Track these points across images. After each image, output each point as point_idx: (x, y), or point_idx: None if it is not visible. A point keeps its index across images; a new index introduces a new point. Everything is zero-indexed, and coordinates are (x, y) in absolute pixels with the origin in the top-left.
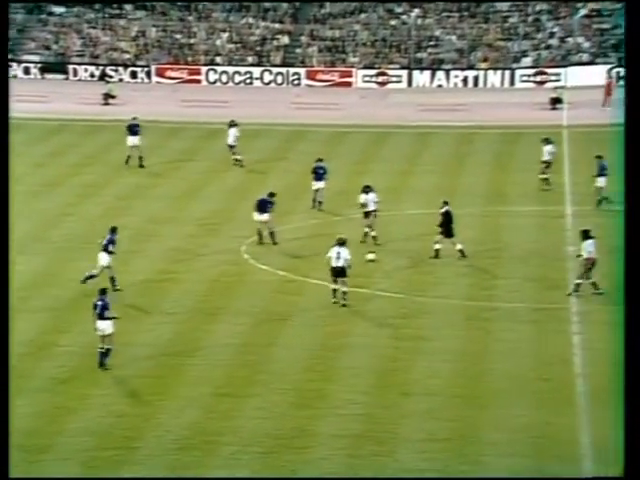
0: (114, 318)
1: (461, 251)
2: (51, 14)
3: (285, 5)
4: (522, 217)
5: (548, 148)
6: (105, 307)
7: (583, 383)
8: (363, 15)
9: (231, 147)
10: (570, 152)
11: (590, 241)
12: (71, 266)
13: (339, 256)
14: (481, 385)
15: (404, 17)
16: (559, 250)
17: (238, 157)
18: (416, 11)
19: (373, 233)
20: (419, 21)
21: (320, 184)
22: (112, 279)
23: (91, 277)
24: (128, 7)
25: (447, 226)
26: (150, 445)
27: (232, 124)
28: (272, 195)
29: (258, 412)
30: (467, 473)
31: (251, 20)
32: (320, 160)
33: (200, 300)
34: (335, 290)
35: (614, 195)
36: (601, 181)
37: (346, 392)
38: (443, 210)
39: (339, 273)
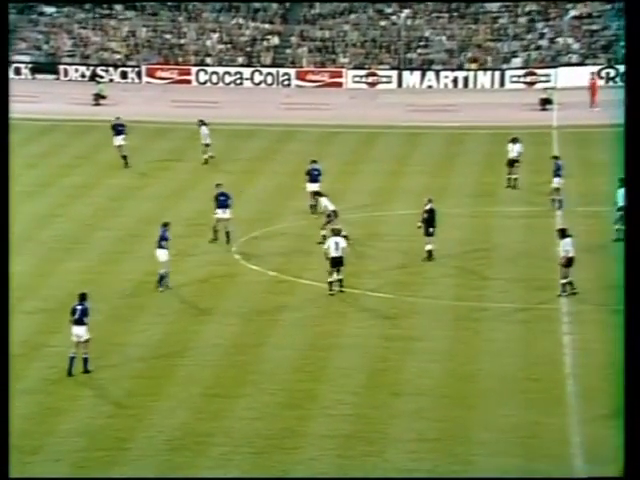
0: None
1: (429, 252)
2: (42, 14)
3: (275, 6)
4: (511, 218)
5: (516, 147)
6: (84, 312)
7: (573, 383)
8: (353, 16)
9: (206, 145)
10: (559, 153)
11: (567, 240)
12: (62, 267)
13: (337, 246)
14: (470, 385)
15: (394, 18)
16: (548, 250)
17: (211, 154)
18: (406, 12)
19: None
20: (409, 22)
21: (315, 186)
22: (162, 278)
23: (162, 278)
24: (118, 7)
25: (429, 224)
26: (141, 446)
27: (201, 123)
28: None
29: (248, 412)
30: (457, 473)
31: (241, 21)
32: (314, 162)
33: (190, 300)
34: (332, 282)
35: (569, 195)
36: (557, 182)
37: (336, 392)
38: (427, 207)
39: (338, 263)
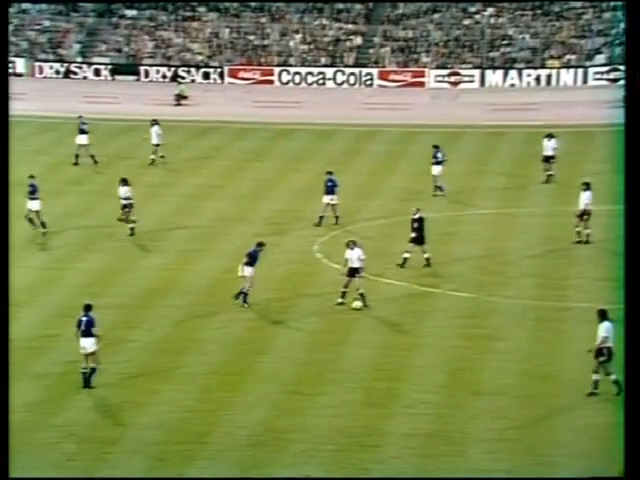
0: (97, 336)
1: (427, 259)
2: (122, 17)
3: (358, 6)
4: (598, 216)
5: (551, 143)
6: (90, 324)
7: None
8: (436, 15)
9: (156, 145)
10: None
11: (606, 324)
12: (139, 264)
13: (357, 257)
14: (550, 385)
15: (477, 17)
16: None
17: (162, 155)
18: (490, 10)
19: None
20: (492, 20)
21: (330, 198)
22: (244, 294)
23: (244, 294)
24: (201, 9)
25: (419, 233)
26: (220, 440)
27: (153, 123)
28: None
29: (329, 410)
30: (538, 473)
31: (324, 21)
32: (330, 173)
33: (271, 298)
34: (345, 293)
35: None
36: (436, 169)
37: (416, 391)
38: (416, 216)
39: (354, 274)
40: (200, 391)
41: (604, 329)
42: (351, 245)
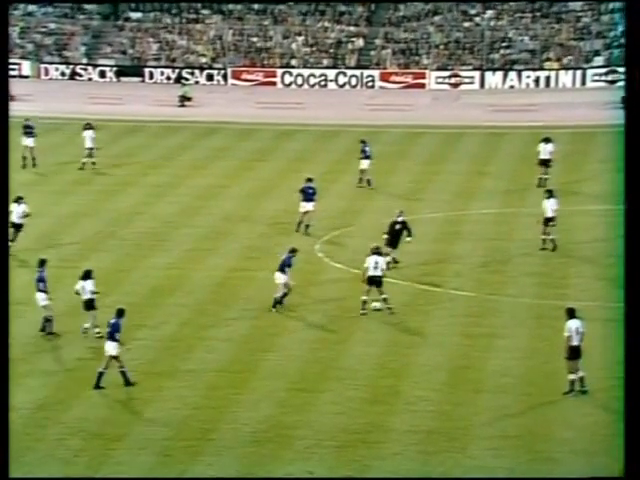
0: (118, 341)
1: (394, 260)
2: (127, 20)
3: (360, 8)
4: (594, 216)
5: (548, 147)
6: (116, 328)
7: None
8: (437, 17)
9: (90, 149)
10: None
11: (575, 321)
12: (144, 263)
13: (377, 265)
14: (552, 383)
15: (477, 19)
16: None
17: (93, 160)
18: (489, 12)
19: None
20: (492, 22)
21: (309, 205)
22: (280, 299)
23: (279, 301)
24: (205, 12)
25: (397, 235)
26: (226, 437)
27: (87, 127)
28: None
29: (332, 407)
30: (538, 471)
31: (326, 23)
32: (310, 180)
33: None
34: (365, 301)
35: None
36: (364, 163)
37: (419, 389)
38: (400, 219)
39: (375, 282)
40: (206, 388)
41: (568, 328)
42: (374, 250)
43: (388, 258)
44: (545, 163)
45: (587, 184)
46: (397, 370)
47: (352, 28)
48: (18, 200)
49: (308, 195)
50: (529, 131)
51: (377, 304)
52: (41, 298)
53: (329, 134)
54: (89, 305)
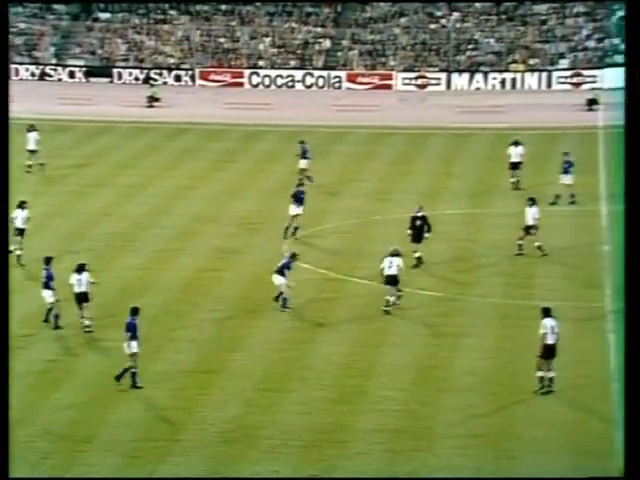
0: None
1: (419, 259)
2: (96, 20)
3: (327, 10)
4: (558, 217)
5: (518, 150)
6: (131, 328)
7: (618, 380)
8: (403, 19)
9: (32, 152)
10: (605, 153)
11: (550, 320)
12: (114, 264)
13: (391, 265)
14: (518, 382)
15: (443, 21)
16: (594, 249)
17: (41, 162)
18: (455, 14)
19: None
20: (458, 24)
21: (299, 209)
22: (279, 298)
23: (284, 301)
24: (172, 12)
25: (419, 230)
26: (193, 437)
27: (31, 129)
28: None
29: (298, 407)
30: (504, 469)
31: (294, 24)
32: (301, 185)
33: (242, 297)
34: (388, 300)
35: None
36: (303, 163)
37: (385, 388)
38: (419, 214)
39: (392, 281)
40: (174, 389)
41: (543, 325)
42: (393, 252)
43: (416, 255)
44: (515, 166)
45: (552, 186)
46: (363, 370)
47: (319, 29)
48: (22, 205)
49: (299, 200)
50: (495, 132)
51: (391, 299)
52: (48, 295)
53: (297, 135)
54: (84, 298)
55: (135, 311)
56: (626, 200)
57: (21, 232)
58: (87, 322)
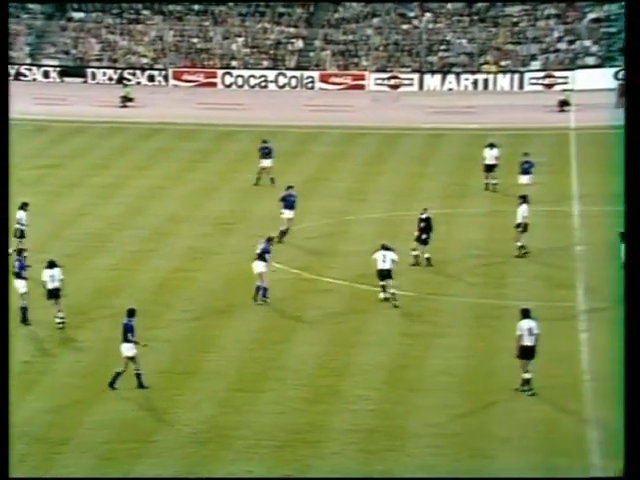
0: (132, 342)
1: (428, 259)
2: (70, 20)
3: (299, 10)
4: (533, 217)
5: (493, 152)
6: (126, 329)
7: (590, 379)
8: (375, 19)
9: None
10: (577, 153)
11: (528, 321)
12: (88, 264)
13: (385, 259)
14: (491, 381)
15: (415, 21)
16: (567, 249)
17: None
18: (427, 15)
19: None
20: (430, 25)
21: (291, 213)
22: (260, 289)
23: (264, 291)
24: (146, 12)
25: (426, 233)
26: (167, 438)
27: None
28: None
29: (272, 407)
30: (476, 468)
31: (266, 25)
32: (291, 187)
33: (216, 297)
34: (385, 292)
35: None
36: (266, 162)
37: (358, 388)
38: (424, 216)
39: (384, 275)
40: (147, 390)
41: (519, 327)
42: (384, 246)
43: (426, 255)
44: (490, 168)
45: (524, 186)
46: (337, 369)
47: (292, 29)
48: (23, 207)
49: (289, 203)
50: (467, 133)
51: (382, 295)
52: (21, 285)
53: (269, 135)
54: (55, 294)
55: (132, 312)
56: (626, 200)
57: (22, 234)
58: (61, 316)
